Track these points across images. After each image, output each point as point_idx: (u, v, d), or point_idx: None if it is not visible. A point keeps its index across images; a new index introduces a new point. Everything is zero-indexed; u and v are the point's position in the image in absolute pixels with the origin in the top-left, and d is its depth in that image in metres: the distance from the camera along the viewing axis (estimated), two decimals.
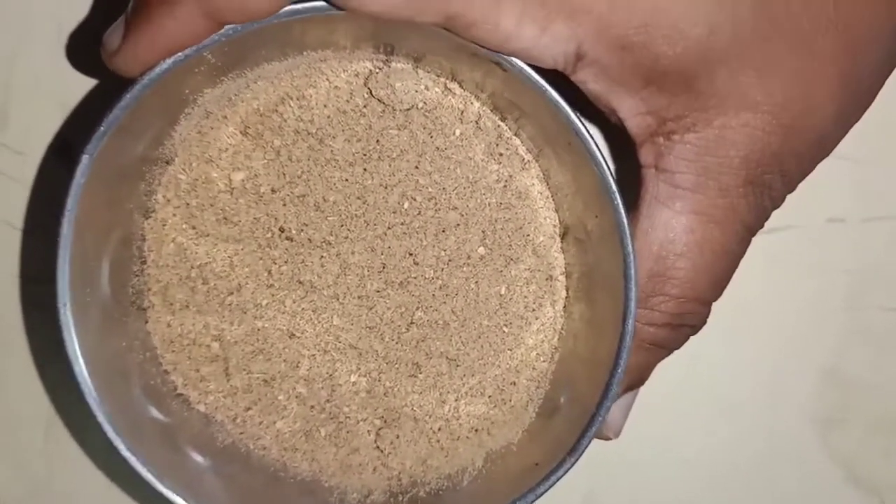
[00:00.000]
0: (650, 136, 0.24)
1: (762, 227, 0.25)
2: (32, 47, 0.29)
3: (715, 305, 0.25)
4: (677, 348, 0.26)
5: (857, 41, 0.23)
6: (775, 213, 0.25)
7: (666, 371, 0.26)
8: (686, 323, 0.25)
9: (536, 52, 0.22)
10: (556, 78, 0.23)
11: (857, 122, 0.25)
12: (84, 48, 0.30)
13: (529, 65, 0.23)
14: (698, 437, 0.32)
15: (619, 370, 0.24)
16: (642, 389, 0.27)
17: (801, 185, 0.25)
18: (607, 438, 0.27)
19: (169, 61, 0.22)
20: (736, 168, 0.23)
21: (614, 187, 0.23)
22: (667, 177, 0.24)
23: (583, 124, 0.23)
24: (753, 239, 0.25)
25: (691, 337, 0.26)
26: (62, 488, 0.32)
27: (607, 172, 0.23)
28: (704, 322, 0.25)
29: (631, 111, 0.23)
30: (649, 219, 0.24)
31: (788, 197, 0.25)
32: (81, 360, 0.23)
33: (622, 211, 0.23)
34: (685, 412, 0.32)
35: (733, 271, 0.25)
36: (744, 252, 0.25)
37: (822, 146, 0.24)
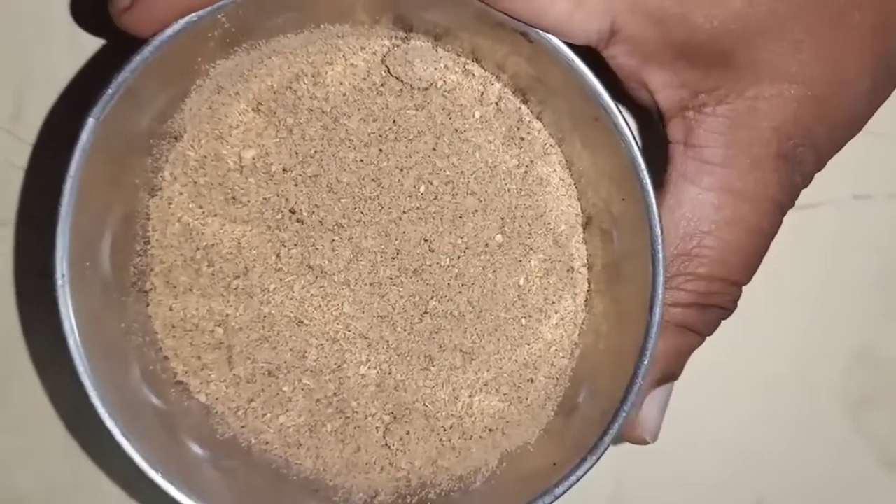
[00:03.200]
0: (680, 111, 0.23)
1: (793, 205, 0.24)
2: (48, 39, 0.29)
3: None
4: (709, 333, 0.24)
5: (892, 16, 0.23)
6: (802, 191, 0.24)
7: (695, 353, 0.25)
8: (715, 303, 0.24)
9: (569, 28, 0.22)
10: (584, 57, 0.22)
11: (888, 97, 0.24)
12: (98, 38, 0.29)
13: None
14: (728, 420, 0.31)
15: (645, 361, 0.23)
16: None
17: (828, 162, 0.24)
18: (644, 442, 0.25)
19: (182, 22, 0.21)
20: (767, 140, 0.22)
21: (643, 163, 0.22)
22: (696, 152, 0.23)
23: (612, 98, 0.22)
24: None
25: (723, 321, 0.24)
26: (85, 487, 0.30)
27: (635, 148, 0.22)
28: (735, 305, 0.24)
29: (662, 84, 0.23)
30: (676, 196, 0.23)
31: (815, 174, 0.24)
32: (77, 335, 0.22)
33: (650, 189, 0.22)
34: (714, 394, 0.31)
35: (765, 251, 0.24)
36: (775, 231, 0.24)
37: (854, 121, 0.24)
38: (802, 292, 0.31)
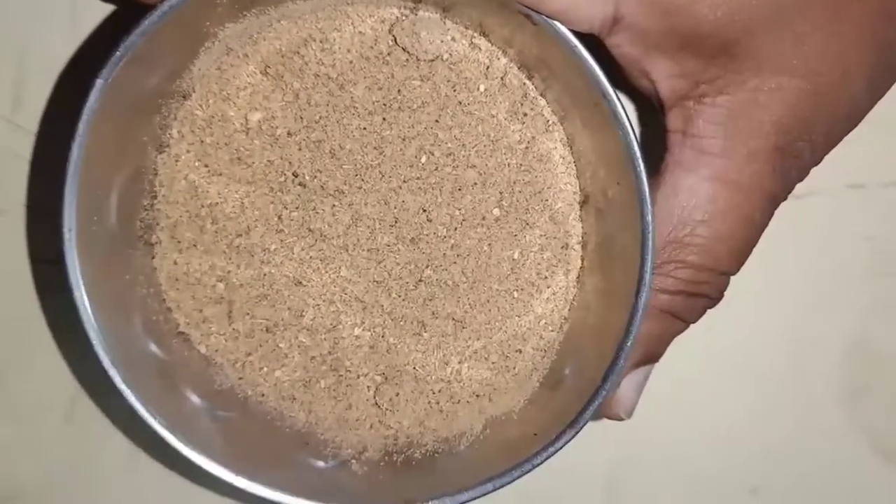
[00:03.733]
0: (680, 100, 0.23)
1: (785, 198, 0.24)
2: (47, 29, 0.29)
3: (737, 276, 0.24)
4: (693, 321, 0.25)
5: (893, 9, 0.22)
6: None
7: (689, 343, 0.25)
8: (702, 292, 0.24)
9: (573, 14, 0.22)
10: (587, 42, 0.22)
11: (887, 90, 0.24)
12: (98, 24, 0.29)
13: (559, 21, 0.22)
14: (723, 410, 0.31)
15: (628, 343, 0.23)
16: (664, 365, 0.26)
17: (825, 156, 0.24)
18: (619, 418, 0.26)
19: None
20: (766, 132, 0.22)
21: (638, 152, 0.22)
22: (694, 142, 0.23)
23: (612, 86, 0.22)
24: None
25: (709, 311, 0.25)
26: (84, 474, 0.31)
27: (632, 136, 0.22)
28: (721, 295, 0.25)
29: (664, 73, 0.23)
30: (672, 184, 0.23)
31: None
32: (83, 287, 0.23)
33: (644, 178, 0.22)
34: (709, 385, 0.31)
35: (754, 242, 0.24)
36: (766, 224, 0.24)
37: (852, 116, 0.24)
38: (796, 282, 0.31)
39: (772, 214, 0.24)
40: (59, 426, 0.31)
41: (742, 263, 0.24)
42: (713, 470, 0.32)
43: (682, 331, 0.25)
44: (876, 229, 0.31)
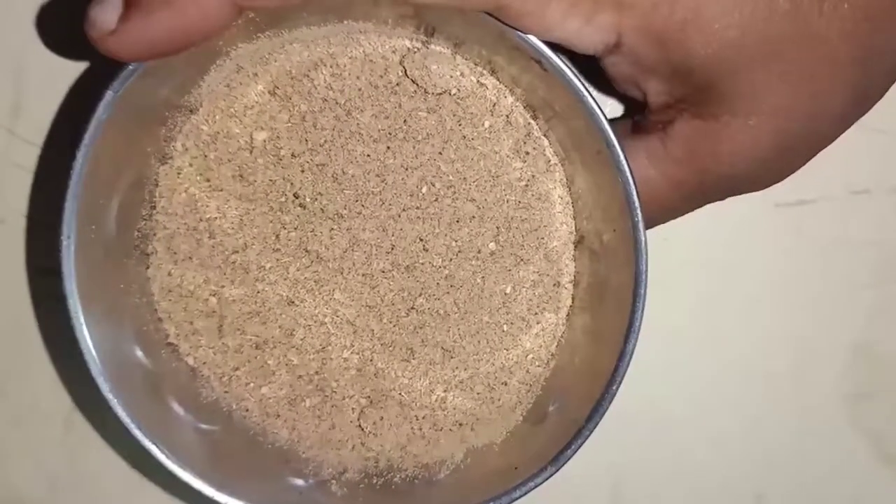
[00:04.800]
0: (664, 107, 0.25)
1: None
2: (45, 38, 0.29)
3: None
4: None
5: (873, 49, 0.23)
6: (798, 186, 0.25)
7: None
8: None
9: (577, 41, 0.23)
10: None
11: (881, 97, 0.25)
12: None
13: (569, 68, 0.22)
14: (728, 416, 0.31)
15: (614, 387, 0.24)
16: (668, 372, 0.26)
17: (822, 157, 0.25)
18: None
19: None
20: (720, 163, 0.24)
21: (637, 203, 0.23)
22: (664, 136, 0.25)
23: (615, 135, 0.23)
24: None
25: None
26: (83, 482, 0.31)
27: (633, 187, 0.23)
28: None
29: (655, 92, 0.24)
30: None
31: (811, 169, 0.25)
32: (77, 295, 0.23)
33: (641, 228, 0.23)
34: (713, 391, 0.31)
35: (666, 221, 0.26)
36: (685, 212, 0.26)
37: (815, 149, 0.25)
38: (800, 288, 0.31)
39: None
40: (58, 435, 0.31)
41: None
42: (718, 477, 0.32)
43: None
44: (880, 235, 0.31)
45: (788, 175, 0.26)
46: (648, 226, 0.24)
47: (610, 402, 0.24)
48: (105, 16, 0.19)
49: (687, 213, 0.26)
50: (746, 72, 0.23)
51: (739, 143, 0.24)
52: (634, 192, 0.23)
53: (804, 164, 0.25)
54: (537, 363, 0.27)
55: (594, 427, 0.24)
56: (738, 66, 0.23)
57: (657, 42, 0.23)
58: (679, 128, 0.25)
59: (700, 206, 0.26)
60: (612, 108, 0.29)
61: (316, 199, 0.26)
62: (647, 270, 0.23)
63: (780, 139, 0.24)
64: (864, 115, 0.25)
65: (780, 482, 0.32)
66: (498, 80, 0.25)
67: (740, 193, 0.26)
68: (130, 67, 0.22)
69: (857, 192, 0.30)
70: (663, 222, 0.27)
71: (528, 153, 0.26)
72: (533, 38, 0.22)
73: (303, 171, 0.26)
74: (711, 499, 0.32)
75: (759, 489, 0.32)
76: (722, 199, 0.26)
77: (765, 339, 0.31)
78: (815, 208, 0.30)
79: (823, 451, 0.31)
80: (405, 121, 0.25)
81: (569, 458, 0.24)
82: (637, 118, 0.26)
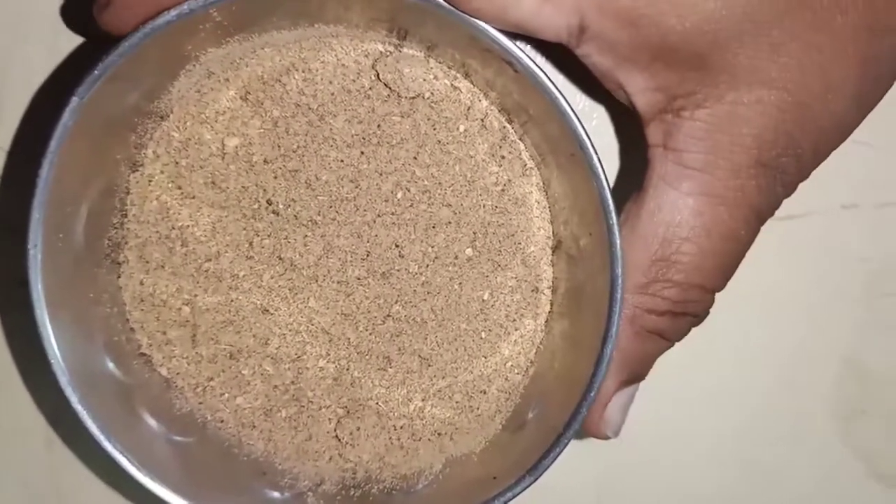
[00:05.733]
0: (659, 114, 0.23)
1: (772, 214, 0.23)
2: (27, 45, 0.28)
3: (730, 295, 0.24)
4: (678, 339, 0.24)
5: (878, 22, 0.22)
6: (787, 201, 0.23)
7: (681, 362, 0.25)
8: (688, 311, 0.23)
9: (537, 24, 0.22)
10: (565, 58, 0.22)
11: (875, 105, 0.23)
12: (79, 42, 0.29)
13: (541, 70, 0.22)
14: (718, 430, 0.31)
15: (592, 393, 0.23)
16: (655, 384, 0.25)
17: (812, 171, 0.23)
18: (606, 438, 0.25)
19: (173, 13, 0.21)
20: (748, 147, 0.22)
21: (612, 205, 0.22)
22: (675, 156, 0.22)
23: (588, 138, 0.22)
24: (768, 226, 0.24)
25: (702, 330, 0.24)
26: (66, 500, 0.31)
27: (606, 189, 0.22)
28: (706, 312, 0.24)
29: (638, 87, 0.22)
30: (655, 200, 0.23)
31: (801, 183, 0.24)
32: (44, 305, 0.23)
33: (616, 231, 0.22)
34: (702, 405, 0.31)
35: (740, 259, 0.23)
36: (751, 240, 0.23)
37: (840, 130, 0.23)
38: (790, 303, 0.30)
39: (757, 230, 0.23)
40: (41, 454, 0.30)
41: (727, 279, 0.24)
42: (705, 490, 0.31)
43: (666, 349, 0.25)
44: (870, 250, 0.30)
45: (823, 159, 0.23)
46: (728, 275, 0.23)
47: (588, 408, 0.23)
48: None
49: (755, 234, 0.23)
50: (736, 44, 0.21)
51: (758, 122, 0.22)
52: (609, 196, 0.22)
53: (828, 151, 0.23)
54: (516, 370, 0.27)
55: (572, 434, 0.24)
56: (724, 38, 0.21)
57: (626, 22, 0.21)
58: (687, 130, 0.22)
59: (761, 220, 0.23)
60: (586, 108, 0.28)
61: (289, 206, 0.25)
62: (623, 275, 0.23)
63: (799, 116, 0.22)
64: (884, 94, 0.23)
65: (769, 496, 0.31)
66: (472, 83, 0.25)
67: (792, 187, 0.23)
68: (96, 72, 0.22)
69: (846, 207, 0.30)
70: (738, 259, 0.23)
71: (503, 157, 0.25)
72: (504, 39, 0.22)
73: (276, 178, 0.25)
74: None
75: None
76: (777, 201, 0.23)
77: (755, 354, 0.31)
78: (805, 223, 0.30)
79: (814, 466, 0.31)
80: (379, 125, 0.25)
81: (547, 467, 0.24)
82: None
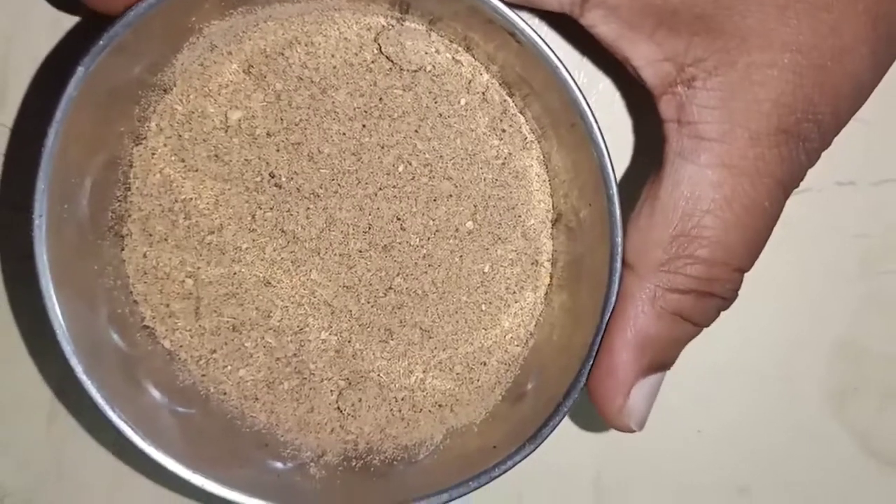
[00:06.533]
0: (669, 87, 0.22)
1: (797, 185, 0.23)
2: (29, 26, 0.28)
3: None
4: (706, 324, 0.23)
5: None
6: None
7: None
8: (714, 291, 0.22)
9: None
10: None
11: (891, 65, 0.22)
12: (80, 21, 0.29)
13: (543, 40, 0.22)
14: (712, 409, 0.31)
15: (591, 362, 0.24)
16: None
17: (834, 138, 0.23)
18: (630, 430, 0.24)
19: None
20: (766, 113, 0.21)
21: (611, 175, 0.23)
22: (690, 129, 0.22)
23: (589, 107, 0.23)
24: None
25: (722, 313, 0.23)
26: (68, 476, 0.31)
27: (606, 158, 0.23)
28: (735, 294, 0.23)
29: (646, 58, 0.22)
30: (673, 176, 0.22)
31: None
32: (49, 275, 0.23)
33: (616, 200, 0.23)
34: (698, 384, 0.31)
35: (767, 234, 0.22)
36: (777, 213, 0.22)
37: (858, 91, 0.22)
38: (785, 280, 0.30)
39: (783, 203, 0.22)
40: (42, 428, 0.30)
41: (755, 258, 0.23)
42: (701, 470, 0.31)
43: (693, 335, 0.23)
44: (866, 227, 0.30)
45: (844, 125, 0.23)
46: (756, 252, 0.21)
47: (587, 378, 0.24)
48: None
49: (780, 206, 0.22)
50: (742, 5, 0.21)
51: (775, 86, 0.21)
52: (609, 165, 0.23)
53: (849, 115, 0.22)
54: (516, 342, 0.27)
55: (572, 403, 0.24)
56: (729, 0, 0.21)
57: None
58: (700, 100, 0.21)
59: (785, 191, 0.22)
60: (587, 83, 0.28)
61: (292, 179, 0.25)
62: (622, 244, 0.23)
63: (817, 78, 0.21)
64: (893, 59, 0.22)
65: (765, 476, 0.32)
66: (473, 56, 0.25)
67: (816, 155, 0.23)
68: (101, 43, 0.22)
69: (842, 184, 0.30)
70: (765, 234, 0.23)
71: (504, 130, 0.26)
72: (506, 9, 0.22)
73: (278, 151, 0.25)
74: (694, 490, 0.32)
75: (743, 481, 0.32)
76: (801, 171, 0.23)
77: (750, 333, 0.31)
78: (801, 200, 0.30)
79: (808, 445, 0.31)
80: (381, 98, 0.25)
81: (547, 436, 0.24)
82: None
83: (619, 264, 0.23)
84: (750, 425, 0.31)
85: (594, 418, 0.26)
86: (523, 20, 0.22)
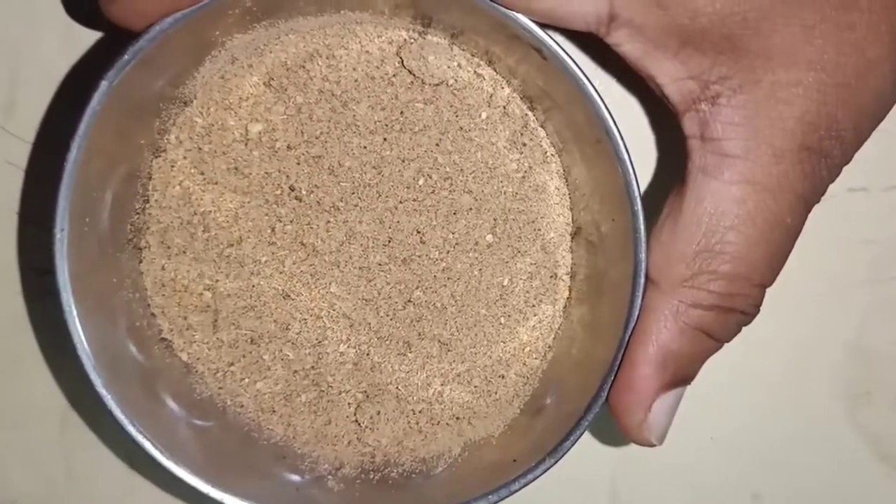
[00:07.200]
0: (693, 104, 0.22)
1: (818, 201, 0.23)
2: (40, 35, 0.28)
3: None
4: (727, 340, 0.24)
5: None
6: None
7: None
8: (736, 307, 0.23)
9: (565, 12, 0.22)
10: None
11: None
12: (93, 31, 0.29)
13: (569, 56, 0.22)
14: (724, 415, 0.31)
15: (612, 376, 0.24)
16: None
17: (855, 154, 0.23)
18: (650, 445, 0.24)
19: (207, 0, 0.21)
20: (791, 130, 0.21)
21: (637, 192, 0.23)
22: (714, 145, 0.22)
23: (615, 124, 0.23)
24: None
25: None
26: (80, 482, 0.31)
27: (632, 176, 0.23)
28: (757, 310, 0.23)
29: (670, 76, 0.22)
30: (696, 192, 0.22)
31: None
32: (70, 290, 0.23)
33: (640, 217, 0.23)
34: (710, 390, 0.30)
35: (788, 250, 0.23)
36: (799, 229, 0.23)
37: (880, 108, 0.22)
38: (796, 286, 0.29)
39: (804, 218, 0.23)
40: (55, 435, 0.30)
41: (777, 271, 0.23)
42: (715, 476, 0.31)
43: (715, 350, 0.24)
44: (877, 233, 0.30)
45: (864, 140, 0.23)
46: (777, 267, 0.22)
47: (608, 393, 0.24)
48: None
49: (802, 222, 0.23)
50: (768, 25, 0.21)
51: (800, 104, 0.21)
52: (634, 182, 0.23)
53: (869, 131, 0.23)
54: (534, 355, 0.27)
55: (592, 418, 0.24)
56: (755, 19, 0.21)
57: (655, 5, 0.21)
58: (724, 117, 0.22)
59: (807, 207, 0.23)
60: (614, 100, 0.28)
61: (312, 192, 0.25)
62: (646, 261, 0.23)
63: (841, 97, 0.21)
64: None
65: (778, 482, 0.32)
66: (495, 70, 0.25)
67: (837, 171, 0.23)
68: (126, 57, 0.22)
69: (854, 190, 0.30)
70: (786, 250, 0.23)
71: (524, 144, 0.26)
72: (532, 25, 0.22)
73: (298, 164, 0.25)
74: (708, 498, 0.32)
75: (756, 488, 0.32)
76: (822, 186, 0.23)
77: (761, 339, 0.30)
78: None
79: (821, 450, 0.31)
80: (402, 112, 0.25)
81: (567, 450, 0.24)
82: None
83: (642, 279, 0.23)
84: (762, 432, 0.31)
85: (609, 428, 0.26)
86: (550, 36, 0.22)
